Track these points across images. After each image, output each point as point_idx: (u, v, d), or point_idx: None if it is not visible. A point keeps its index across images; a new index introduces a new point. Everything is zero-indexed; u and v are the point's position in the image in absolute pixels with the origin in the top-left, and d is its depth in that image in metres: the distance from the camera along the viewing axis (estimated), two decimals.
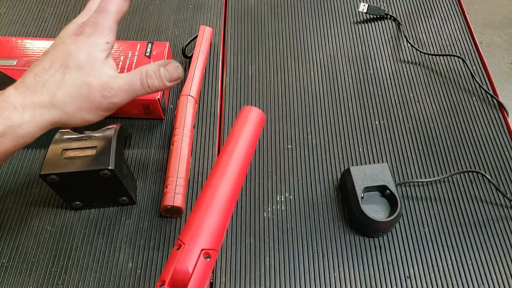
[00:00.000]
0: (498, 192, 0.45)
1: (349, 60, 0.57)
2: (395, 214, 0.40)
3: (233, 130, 0.36)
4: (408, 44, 0.58)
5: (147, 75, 0.34)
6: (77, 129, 0.40)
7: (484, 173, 0.45)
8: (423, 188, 0.46)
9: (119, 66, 0.48)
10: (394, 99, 0.53)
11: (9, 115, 0.30)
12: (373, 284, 0.40)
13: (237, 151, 0.34)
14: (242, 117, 0.36)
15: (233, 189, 0.32)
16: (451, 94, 0.54)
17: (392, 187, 0.42)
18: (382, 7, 0.61)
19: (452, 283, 0.40)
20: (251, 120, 0.36)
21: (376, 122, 0.51)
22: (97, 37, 0.34)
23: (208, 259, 0.29)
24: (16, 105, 0.31)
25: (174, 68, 0.35)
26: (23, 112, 0.31)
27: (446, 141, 0.49)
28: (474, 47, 0.58)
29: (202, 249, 0.29)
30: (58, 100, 0.32)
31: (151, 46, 0.50)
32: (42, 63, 0.33)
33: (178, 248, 0.29)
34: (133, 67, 0.48)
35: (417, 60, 0.57)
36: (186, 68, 0.55)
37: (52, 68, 0.32)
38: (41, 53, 0.48)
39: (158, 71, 0.34)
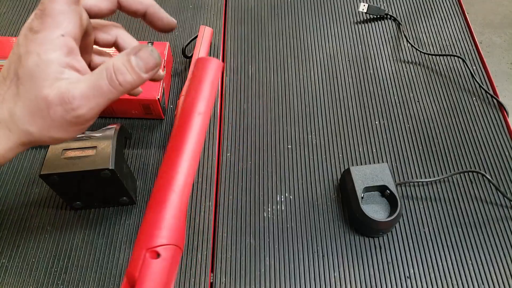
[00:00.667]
0: (498, 192, 0.45)
1: (349, 60, 0.57)
2: (395, 214, 0.40)
3: (188, 96, 0.30)
4: (408, 44, 0.58)
5: (116, 70, 0.26)
6: None
7: (484, 173, 0.45)
8: (423, 188, 0.46)
9: None
10: (394, 99, 0.53)
11: None
12: (373, 284, 0.40)
13: (193, 123, 0.29)
14: (197, 74, 0.30)
15: (184, 172, 0.28)
16: (451, 94, 0.54)
17: (392, 187, 0.42)
18: (382, 7, 0.61)
19: (452, 283, 0.40)
20: (207, 78, 0.30)
21: (376, 122, 0.51)
22: (47, 32, 0.26)
23: (159, 257, 0.26)
24: None
25: (149, 53, 0.27)
26: None
27: (446, 141, 0.49)
28: (474, 47, 0.58)
29: (148, 249, 0.25)
30: (17, 118, 0.26)
31: (151, 45, 0.50)
32: (3, 70, 0.27)
33: None
34: None
35: (417, 60, 0.57)
36: (186, 68, 0.55)
37: (8, 78, 0.27)
38: None
39: (128, 62, 0.27)
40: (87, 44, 0.30)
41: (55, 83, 0.26)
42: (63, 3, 0.26)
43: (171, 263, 0.26)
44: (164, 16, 0.32)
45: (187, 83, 0.32)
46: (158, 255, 0.26)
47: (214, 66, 0.31)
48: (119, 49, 0.33)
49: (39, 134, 0.27)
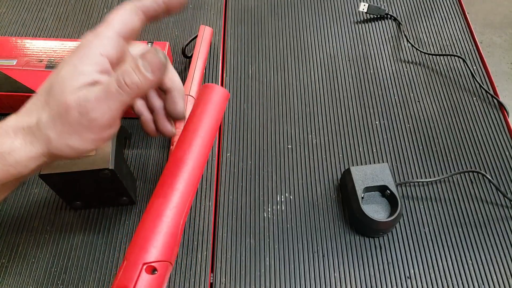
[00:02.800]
0: (499, 192, 0.45)
1: (349, 60, 0.57)
2: (396, 214, 0.40)
3: (191, 117, 0.31)
4: (408, 44, 0.58)
5: (123, 72, 0.27)
6: None
7: (484, 173, 0.45)
8: (423, 188, 0.46)
9: None
10: (394, 98, 0.53)
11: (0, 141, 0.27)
12: (373, 284, 0.40)
13: (194, 144, 0.30)
14: (203, 99, 0.32)
15: (184, 192, 0.29)
16: (451, 94, 0.54)
17: (392, 187, 0.42)
18: (382, 7, 0.61)
19: (452, 283, 0.40)
20: (212, 104, 0.31)
21: (377, 122, 0.51)
22: (89, 48, 0.28)
23: (155, 273, 0.26)
24: (9, 130, 0.27)
25: (153, 54, 0.28)
26: (14, 138, 0.27)
27: (446, 141, 0.49)
28: (474, 47, 0.58)
29: (144, 263, 0.26)
30: (42, 123, 0.27)
31: (151, 46, 0.50)
32: (43, 83, 0.29)
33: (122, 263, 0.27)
34: None
35: (417, 60, 0.57)
36: (186, 68, 0.55)
37: (44, 87, 0.28)
38: (41, 53, 0.48)
39: (135, 64, 0.28)
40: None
41: (79, 91, 0.27)
42: (115, 32, 0.29)
43: (164, 278, 0.27)
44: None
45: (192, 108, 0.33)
46: (153, 270, 0.26)
47: (218, 94, 0.32)
48: (165, 89, 0.33)
49: (57, 141, 0.27)
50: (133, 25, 0.30)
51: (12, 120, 0.28)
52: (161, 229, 0.27)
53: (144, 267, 0.26)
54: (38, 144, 0.27)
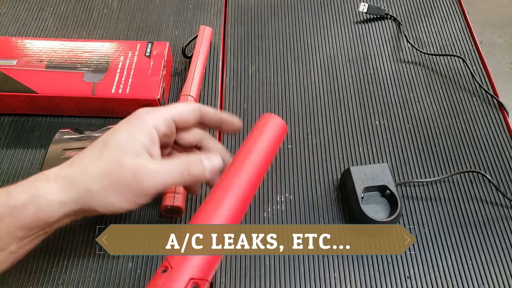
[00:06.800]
0: (498, 192, 0.45)
1: (349, 60, 0.57)
2: (395, 214, 0.40)
3: (250, 141, 0.34)
4: (408, 44, 0.58)
5: (190, 162, 0.32)
6: (77, 129, 0.40)
7: (484, 173, 0.45)
8: (423, 188, 0.46)
9: (119, 66, 0.48)
10: (394, 99, 0.53)
11: (38, 185, 0.29)
12: (373, 284, 0.40)
13: (250, 166, 0.32)
14: (262, 128, 0.34)
15: (237, 209, 0.30)
16: (451, 94, 0.54)
17: (392, 187, 0.42)
18: (382, 7, 0.61)
19: (452, 283, 0.40)
20: (267, 134, 0.33)
21: (376, 122, 0.51)
22: (145, 119, 0.32)
23: None
24: (49, 177, 0.30)
25: (216, 160, 0.34)
26: (52, 184, 0.29)
27: (446, 141, 0.49)
28: (474, 47, 0.58)
29: (191, 278, 0.25)
30: (86, 175, 0.30)
31: (151, 46, 0.50)
32: (92, 143, 0.33)
33: (164, 271, 0.26)
34: (133, 67, 0.48)
35: (417, 60, 0.57)
36: (186, 68, 0.55)
37: (96, 145, 0.32)
38: (41, 53, 0.48)
39: (201, 160, 0.33)
40: (167, 142, 0.36)
41: (135, 157, 0.30)
42: (170, 115, 0.34)
43: None
44: (234, 121, 0.38)
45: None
46: (196, 287, 0.26)
47: (275, 124, 0.35)
48: (202, 149, 0.38)
49: (98, 194, 0.30)
50: (187, 118, 0.35)
51: (55, 169, 0.30)
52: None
53: (191, 282, 0.26)
54: (75, 191, 0.29)
